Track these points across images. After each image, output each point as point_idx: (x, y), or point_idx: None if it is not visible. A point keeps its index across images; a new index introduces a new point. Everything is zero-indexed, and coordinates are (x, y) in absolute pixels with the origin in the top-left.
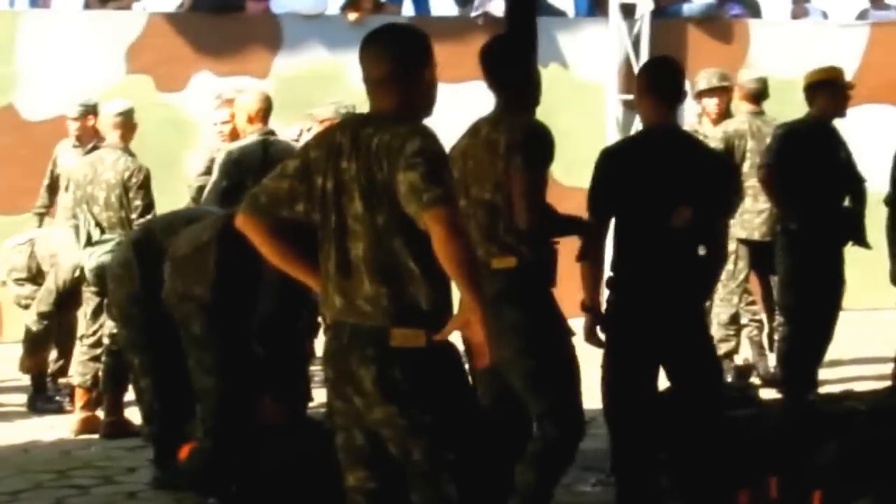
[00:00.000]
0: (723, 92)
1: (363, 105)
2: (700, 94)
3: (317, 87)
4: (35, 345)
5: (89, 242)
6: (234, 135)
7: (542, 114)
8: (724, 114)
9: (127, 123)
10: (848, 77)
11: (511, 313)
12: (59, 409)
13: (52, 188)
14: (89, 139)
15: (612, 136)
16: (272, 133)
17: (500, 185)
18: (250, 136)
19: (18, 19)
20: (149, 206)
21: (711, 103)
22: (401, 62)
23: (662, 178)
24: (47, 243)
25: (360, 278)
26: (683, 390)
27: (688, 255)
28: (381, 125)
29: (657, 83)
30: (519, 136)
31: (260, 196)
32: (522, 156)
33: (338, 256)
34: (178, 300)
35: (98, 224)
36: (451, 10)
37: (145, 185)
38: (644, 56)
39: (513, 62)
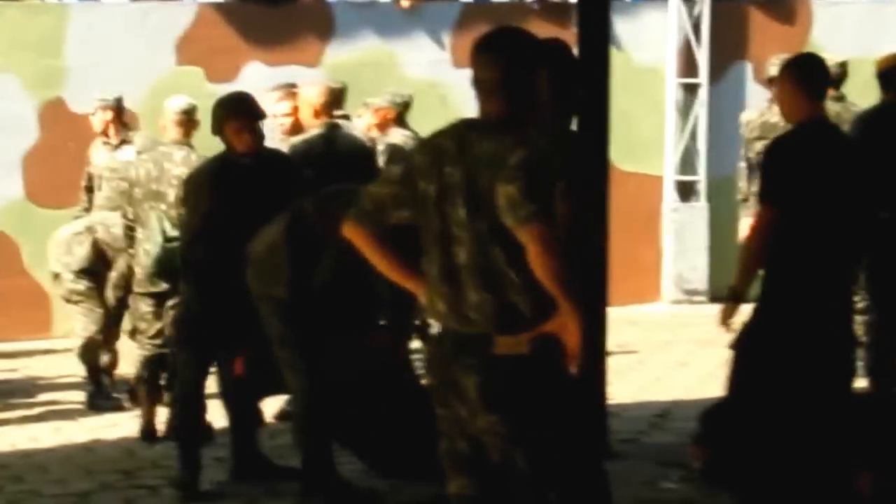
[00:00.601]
0: None
1: (419, 95)
2: (773, 80)
3: (369, 75)
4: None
5: (166, 240)
6: (296, 128)
7: None
8: None
9: (191, 121)
10: None
11: None
12: (118, 407)
13: (90, 189)
14: (117, 134)
15: (672, 121)
16: (337, 126)
17: None
18: (314, 129)
19: (68, 12)
20: None
21: None
22: (512, 68)
23: (834, 172)
24: (108, 229)
25: (465, 285)
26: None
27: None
28: (487, 132)
29: (807, 78)
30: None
31: (366, 203)
32: None
33: (442, 262)
34: (258, 300)
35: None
36: None
37: None
38: (704, 39)
39: None
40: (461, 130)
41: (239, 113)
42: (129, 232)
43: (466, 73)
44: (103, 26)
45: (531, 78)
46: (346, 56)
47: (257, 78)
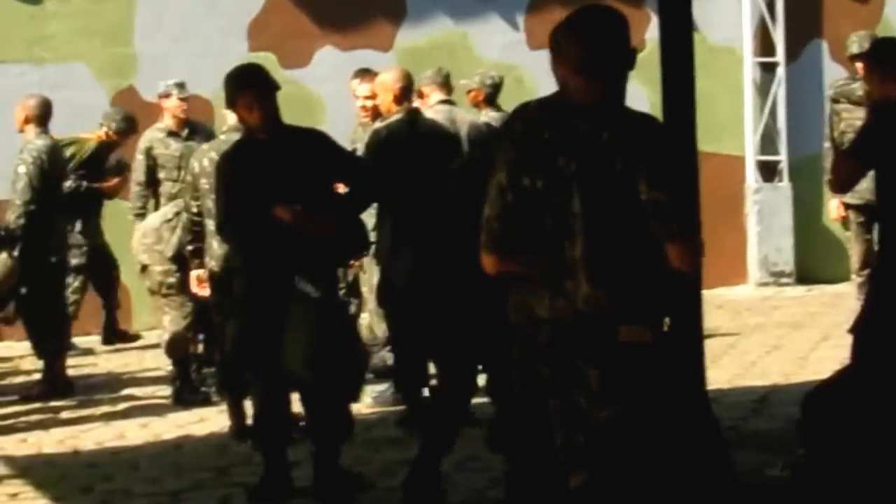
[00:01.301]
0: None
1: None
2: (853, 58)
3: (441, 58)
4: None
5: None
6: (377, 112)
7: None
8: None
9: None
10: None
11: None
12: (206, 401)
13: (150, 183)
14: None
15: (750, 100)
16: (417, 111)
17: None
18: (394, 115)
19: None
20: None
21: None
22: (613, 50)
23: None
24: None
25: (580, 278)
26: None
27: None
28: (604, 117)
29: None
30: None
31: (495, 227)
32: None
33: (555, 256)
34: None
35: None
36: None
37: None
38: (780, 18)
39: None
40: (564, 116)
41: (248, 85)
42: (195, 227)
43: (541, 55)
44: (172, 12)
45: (628, 58)
46: (418, 39)
47: (330, 63)
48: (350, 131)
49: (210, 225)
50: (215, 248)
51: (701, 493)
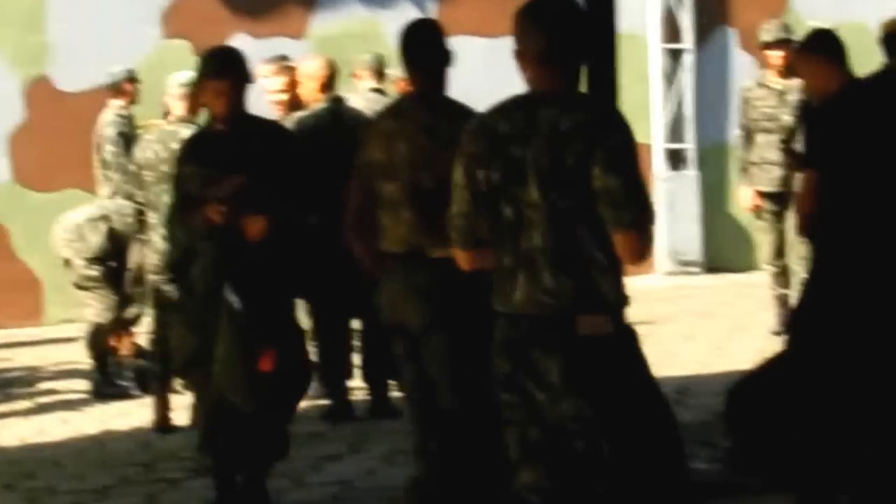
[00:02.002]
0: (788, 44)
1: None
2: (765, 47)
3: (354, 46)
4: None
5: None
6: (293, 104)
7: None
8: (789, 66)
9: (194, 95)
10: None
11: (441, 303)
12: (125, 394)
13: None
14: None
15: (657, 87)
16: (341, 100)
17: (444, 175)
18: (319, 104)
19: None
20: None
21: (776, 56)
22: (573, 38)
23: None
24: (124, 218)
25: (539, 269)
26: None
27: None
28: (563, 106)
29: (832, 50)
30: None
31: (459, 225)
32: None
33: (513, 248)
34: None
35: None
36: None
37: None
38: (687, 4)
39: (435, 46)
40: (521, 108)
41: (221, 75)
42: (141, 217)
43: (452, 43)
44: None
45: (583, 46)
46: (331, 27)
47: (244, 50)
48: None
49: (152, 218)
50: (156, 241)
51: (660, 487)
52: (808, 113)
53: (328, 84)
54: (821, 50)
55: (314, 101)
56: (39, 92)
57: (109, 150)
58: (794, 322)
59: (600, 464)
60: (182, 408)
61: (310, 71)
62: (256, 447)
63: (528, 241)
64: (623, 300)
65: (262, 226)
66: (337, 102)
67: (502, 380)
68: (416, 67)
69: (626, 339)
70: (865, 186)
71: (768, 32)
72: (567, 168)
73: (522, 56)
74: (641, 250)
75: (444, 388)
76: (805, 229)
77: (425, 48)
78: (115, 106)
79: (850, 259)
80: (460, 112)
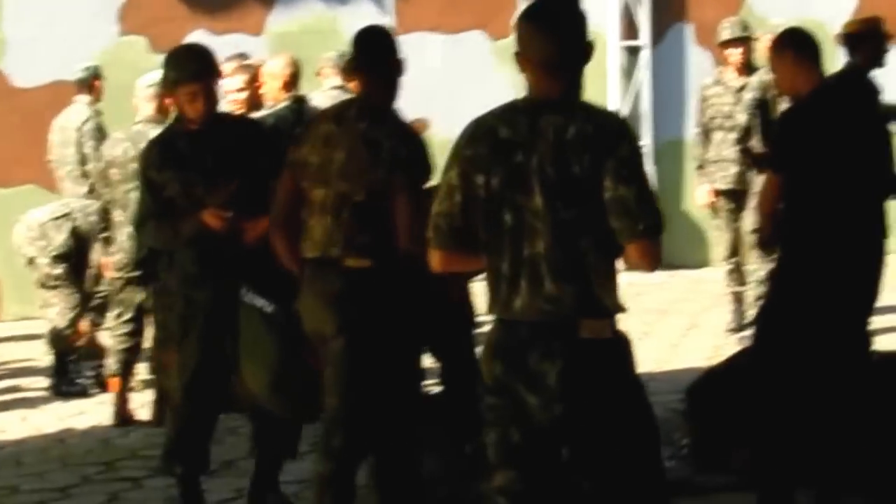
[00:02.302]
0: (746, 42)
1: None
2: (724, 45)
3: (312, 42)
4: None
5: None
6: (253, 103)
7: None
8: (747, 64)
9: (162, 96)
10: (846, 16)
11: (353, 311)
12: (84, 392)
13: None
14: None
15: (615, 84)
16: (304, 99)
17: (375, 189)
18: (282, 102)
19: None
20: None
21: (736, 53)
22: (576, 45)
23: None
24: (87, 217)
25: (541, 276)
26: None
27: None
28: (568, 113)
29: (806, 49)
30: (405, 149)
31: (440, 224)
32: (408, 174)
33: (512, 255)
34: None
35: None
36: None
37: None
38: (645, 2)
39: (387, 50)
40: (523, 113)
41: (196, 77)
42: (106, 215)
43: (410, 39)
44: None
45: (587, 53)
46: (289, 24)
47: None
48: None
49: (118, 216)
50: (122, 239)
51: (640, 489)
52: (763, 111)
53: (291, 83)
54: (795, 49)
55: (277, 100)
56: None
57: (91, 145)
58: (760, 321)
59: (585, 467)
60: (141, 405)
61: (273, 69)
62: (274, 445)
63: (531, 248)
64: (620, 306)
65: (264, 228)
66: (299, 102)
67: (490, 383)
68: (365, 75)
69: (622, 344)
70: (830, 189)
71: (727, 30)
72: (574, 178)
73: (525, 60)
74: (656, 257)
75: (334, 391)
76: (765, 230)
77: (375, 56)
78: (84, 101)
79: (816, 260)
80: (404, 131)
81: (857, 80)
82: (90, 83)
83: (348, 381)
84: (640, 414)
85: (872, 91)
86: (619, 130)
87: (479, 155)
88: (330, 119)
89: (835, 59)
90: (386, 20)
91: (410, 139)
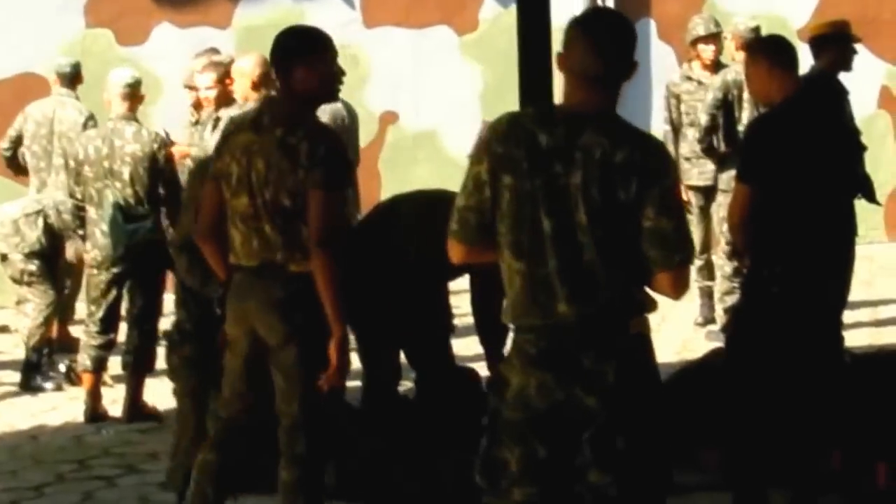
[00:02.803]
0: (717, 38)
1: None
2: (696, 41)
3: None
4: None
5: (127, 219)
6: (224, 100)
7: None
8: (717, 61)
9: (136, 94)
10: (808, 13)
11: (300, 317)
12: (57, 387)
13: None
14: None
15: None
16: (274, 99)
17: (299, 193)
18: (250, 102)
19: None
20: (178, 180)
21: (708, 49)
22: (626, 61)
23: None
24: (60, 214)
25: (586, 283)
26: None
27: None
28: (612, 134)
29: (782, 57)
30: (322, 149)
31: (468, 219)
32: (323, 175)
33: (553, 261)
34: None
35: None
36: None
37: (172, 158)
38: (610, 2)
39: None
40: (563, 124)
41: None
42: (79, 212)
43: (377, 34)
44: None
45: (632, 70)
46: (256, 17)
47: (167, 40)
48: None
49: (92, 212)
50: (98, 236)
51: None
52: (728, 112)
53: (261, 82)
54: (770, 57)
55: (247, 98)
56: None
57: None
58: (733, 323)
59: (640, 462)
60: (112, 401)
61: (243, 67)
62: None
63: (575, 257)
64: (655, 302)
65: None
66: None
67: (512, 398)
68: (280, 78)
69: (649, 340)
70: (802, 196)
71: (700, 26)
72: (618, 203)
73: (567, 66)
74: (686, 286)
75: (291, 398)
76: (738, 240)
77: (287, 60)
78: (66, 94)
79: (788, 262)
80: (320, 131)
81: (825, 84)
82: (75, 77)
83: (304, 386)
84: (660, 403)
85: (841, 93)
86: (664, 161)
87: (512, 156)
88: (248, 128)
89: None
90: (353, 15)
91: (327, 138)
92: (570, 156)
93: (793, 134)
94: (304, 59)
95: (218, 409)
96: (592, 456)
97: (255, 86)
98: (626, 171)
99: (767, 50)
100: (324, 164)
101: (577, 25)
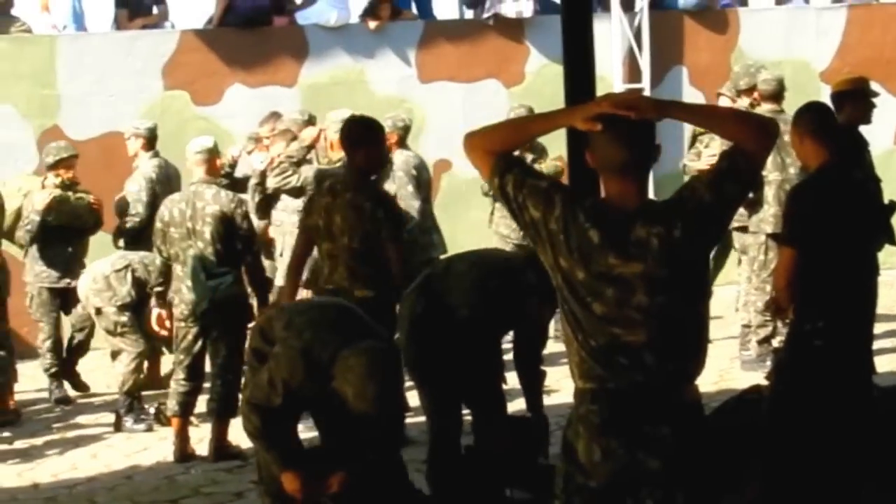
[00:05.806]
0: (754, 89)
1: (388, 110)
2: (739, 93)
3: (341, 93)
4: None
5: (209, 276)
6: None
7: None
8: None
9: (212, 158)
10: (829, 56)
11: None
12: (149, 429)
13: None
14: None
15: None
16: None
17: (365, 237)
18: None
19: (56, 43)
20: (255, 235)
21: (746, 102)
22: (650, 148)
23: (854, 212)
24: (147, 267)
25: (640, 357)
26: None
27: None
28: (660, 218)
29: (814, 127)
30: (381, 210)
31: (525, 166)
32: (389, 228)
33: (607, 339)
34: None
35: (207, 258)
36: (453, 12)
37: (248, 216)
38: (646, 47)
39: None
40: (614, 221)
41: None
42: (166, 269)
43: (432, 88)
44: (92, 56)
45: (656, 154)
46: (320, 75)
47: (239, 99)
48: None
49: (178, 269)
50: (185, 292)
51: None
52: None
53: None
54: (812, 130)
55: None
56: (51, 140)
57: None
58: (778, 375)
59: None
60: (199, 440)
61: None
62: None
63: (630, 335)
64: (702, 370)
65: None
66: None
67: (586, 463)
68: (350, 155)
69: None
70: (842, 255)
71: (745, 79)
72: (683, 260)
73: (597, 162)
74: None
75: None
76: (783, 300)
77: (358, 140)
78: (149, 156)
79: (831, 318)
80: (380, 197)
81: (848, 138)
82: (154, 138)
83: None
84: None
85: (862, 145)
86: (696, 181)
87: (565, 243)
88: (327, 193)
89: (820, 95)
90: (409, 71)
91: (385, 202)
92: (625, 251)
93: (830, 199)
94: (366, 145)
95: None
96: None
97: (332, 146)
98: (687, 237)
99: (801, 121)
100: (386, 221)
101: (618, 120)
